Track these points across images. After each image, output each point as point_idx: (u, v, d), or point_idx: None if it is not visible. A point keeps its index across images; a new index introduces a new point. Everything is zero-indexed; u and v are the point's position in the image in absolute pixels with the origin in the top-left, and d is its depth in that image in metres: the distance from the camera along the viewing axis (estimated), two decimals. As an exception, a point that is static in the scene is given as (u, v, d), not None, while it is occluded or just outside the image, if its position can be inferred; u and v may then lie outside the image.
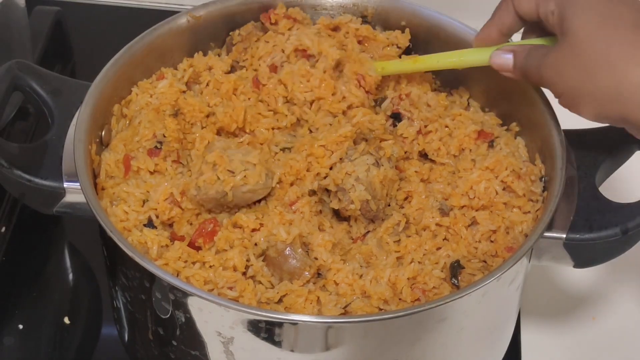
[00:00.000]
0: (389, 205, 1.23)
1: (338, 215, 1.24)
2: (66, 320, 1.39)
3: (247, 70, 1.34)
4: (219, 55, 1.39)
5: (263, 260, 1.16)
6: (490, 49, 1.23)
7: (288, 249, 1.15)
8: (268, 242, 1.16)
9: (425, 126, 1.29)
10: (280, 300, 1.13)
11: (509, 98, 1.32)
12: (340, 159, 1.22)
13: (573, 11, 1.11)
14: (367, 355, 1.12)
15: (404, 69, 1.31)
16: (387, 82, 1.33)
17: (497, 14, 1.23)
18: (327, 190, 1.22)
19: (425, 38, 1.37)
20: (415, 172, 1.25)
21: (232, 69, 1.36)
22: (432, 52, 1.35)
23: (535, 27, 1.22)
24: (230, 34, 1.38)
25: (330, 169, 1.22)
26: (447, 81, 1.38)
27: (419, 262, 1.17)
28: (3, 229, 1.47)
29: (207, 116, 1.29)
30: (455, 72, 1.35)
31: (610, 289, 1.47)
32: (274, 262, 1.15)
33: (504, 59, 1.21)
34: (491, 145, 1.29)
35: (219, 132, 1.28)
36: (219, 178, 1.19)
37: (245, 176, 1.19)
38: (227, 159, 1.20)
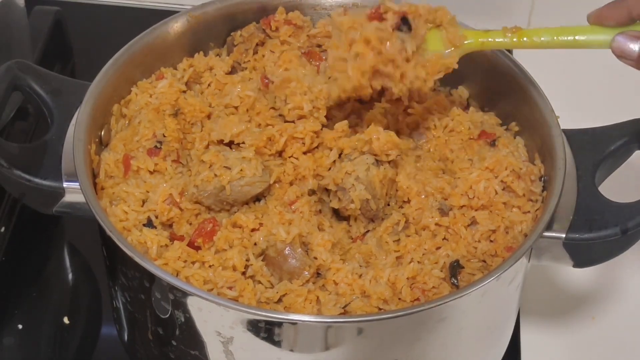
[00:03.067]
0: (389, 205, 1.23)
1: (337, 214, 1.24)
2: (66, 320, 1.39)
3: (250, 72, 1.35)
4: (218, 56, 1.39)
5: (262, 260, 1.16)
6: (612, 30, 1.12)
7: (287, 248, 1.15)
8: (267, 242, 1.16)
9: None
10: (279, 300, 1.13)
11: (509, 98, 1.31)
12: (340, 155, 1.23)
13: None
14: (367, 355, 1.12)
15: (506, 44, 1.19)
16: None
17: None
18: (327, 190, 1.22)
19: (424, 38, 1.37)
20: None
21: (233, 70, 1.36)
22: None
23: None
24: (231, 34, 1.38)
25: (329, 169, 1.23)
26: (447, 81, 1.38)
27: (418, 262, 1.17)
28: (3, 229, 1.47)
29: (208, 116, 1.29)
30: (455, 71, 1.36)
31: (610, 289, 1.47)
32: (274, 261, 1.15)
33: (629, 48, 1.09)
34: (493, 144, 1.29)
35: None
36: (216, 175, 1.19)
37: (241, 169, 1.19)
38: (222, 157, 1.20)
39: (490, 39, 1.21)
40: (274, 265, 1.16)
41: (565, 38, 1.15)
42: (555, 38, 1.16)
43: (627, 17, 1.12)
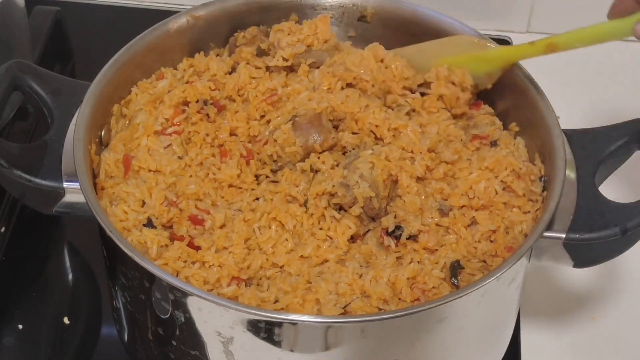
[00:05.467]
0: (389, 205, 1.23)
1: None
2: (66, 320, 1.38)
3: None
4: (219, 56, 1.39)
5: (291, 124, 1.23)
6: (630, 19, 1.16)
7: (317, 116, 1.23)
8: (298, 111, 1.23)
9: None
10: (276, 301, 1.14)
11: (509, 98, 1.31)
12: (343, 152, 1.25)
13: None
14: (367, 355, 1.12)
15: (535, 53, 1.25)
16: None
17: None
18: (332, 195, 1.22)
19: (424, 38, 1.37)
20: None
21: (233, 70, 1.36)
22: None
23: None
24: (234, 34, 1.38)
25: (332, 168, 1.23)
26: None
27: (418, 262, 1.17)
28: (3, 229, 1.47)
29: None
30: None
31: (610, 289, 1.47)
32: (301, 126, 1.22)
33: None
34: (494, 144, 1.29)
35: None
36: None
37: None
38: None
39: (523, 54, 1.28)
40: (301, 130, 1.21)
41: (592, 37, 1.21)
42: (584, 40, 1.21)
43: (634, 3, 1.17)
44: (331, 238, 1.19)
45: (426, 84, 1.32)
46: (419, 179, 1.23)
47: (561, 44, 1.23)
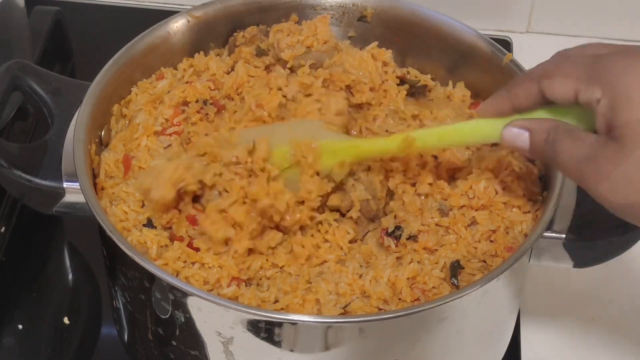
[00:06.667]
0: (389, 204, 1.23)
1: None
2: (66, 320, 1.39)
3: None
4: (219, 56, 1.39)
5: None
6: (502, 120, 1.07)
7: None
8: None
9: None
10: (276, 301, 1.14)
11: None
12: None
13: (630, 106, 0.93)
14: (367, 355, 1.12)
15: (390, 149, 1.13)
16: None
17: (515, 90, 1.06)
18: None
19: (424, 38, 1.37)
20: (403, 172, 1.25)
21: (233, 70, 1.36)
22: (431, 52, 1.35)
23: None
24: (234, 34, 1.39)
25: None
26: (445, 82, 1.38)
27: (418, 262, 1.17)
28: (3, 229, 1.47)
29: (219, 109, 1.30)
30: (453, 71, 1.36)
31: (610, 289, 1.47)
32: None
33: (519, 138, 1.04)
34: (495, 144, 1.29)
35: None
36: None
37: None
38: None
39: (377, 150, 1.16)
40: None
41: (456, 138, 1.11)
42: (446, 140, 1.12)
43: (511, 111, 1.08)
44: (330, 242, 1.19)
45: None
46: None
47: (419, 141, 1.10)
